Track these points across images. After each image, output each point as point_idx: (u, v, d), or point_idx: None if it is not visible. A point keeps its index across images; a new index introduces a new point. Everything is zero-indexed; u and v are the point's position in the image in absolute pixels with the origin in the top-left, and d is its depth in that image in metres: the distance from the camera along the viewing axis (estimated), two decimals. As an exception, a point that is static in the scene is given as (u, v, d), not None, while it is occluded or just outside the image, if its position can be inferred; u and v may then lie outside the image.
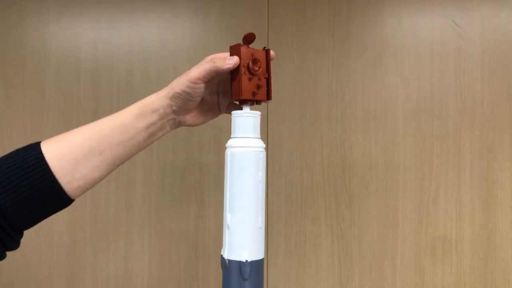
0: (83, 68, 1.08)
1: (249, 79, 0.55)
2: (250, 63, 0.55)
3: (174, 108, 0.57)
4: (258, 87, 0.55)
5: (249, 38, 0.56)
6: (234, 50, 0.56)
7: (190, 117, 0.59)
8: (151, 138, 0.57)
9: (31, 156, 0.49)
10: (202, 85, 0.55)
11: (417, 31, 1.02)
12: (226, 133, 1.04)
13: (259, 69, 0.55)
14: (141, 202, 1.06)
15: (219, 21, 1.07)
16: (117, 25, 1.09)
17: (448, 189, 1.00)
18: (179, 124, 0.59)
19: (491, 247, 0.98)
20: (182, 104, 0.56)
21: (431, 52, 1.02)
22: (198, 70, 0.55)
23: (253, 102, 0.56)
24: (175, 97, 0.56)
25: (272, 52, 0.57)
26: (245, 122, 0.53)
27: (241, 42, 0.57)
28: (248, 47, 0.56)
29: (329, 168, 1.03)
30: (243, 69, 0.54)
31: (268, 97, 0.57)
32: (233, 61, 0.55)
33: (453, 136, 1.00)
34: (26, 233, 0.53)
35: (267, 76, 0.57)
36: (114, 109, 1.06)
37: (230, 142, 0.54)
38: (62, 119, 1.08)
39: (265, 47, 0.57)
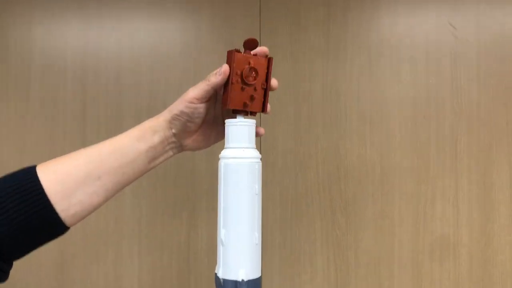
0: (70, 72, 1.05)
1: (242, 89, 0.51)
2: (244, 72, 0.51)
3: (174, 131, 0.54)
4: (252, 98, 0.52)
5: (249, 44, 0.52)
6: (228, 56, 0.52)
7: (191, 141, 0.57)
8: (151, 163, 0.54)
9: (26, 180, 0.47)
10: (201, 105, 0.53)
11: (412, 32, 1.00)
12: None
13: (254, 79, 0.52)
14: (131, 212, 1.03)
15: (210, 23, 1.04)
16: (106, 27, 1.05)
17: (445, 193, 0.98)
18: (181, 148, 0.57)
19: (489, 251, 0.97)
20: (182, 127, 0.54)
21: (427, 53, 1.00)
22: (195, 90, 0.53)
23: (246, 112, 0.52)
24: (174, 119, 0.54)
25: (274, 82, 0.54)
26: (239, 131, 0.50)
27: (238, 48, 0.53)
28: (249, 53, 0.52)
29: (324, 173, 1.01)
30: (234, 78, 0.51)
31: (263, 109, 0.53)
32: (222, 69, 0.52)
33: (449, 139, 0.99)
34: None
35: (265, 86, 0.53)
36: (102, 114, 1.04)
37: (223, 153, 0.50)
38: (47, 125, 1.04)
39: (267, 55, 0.54)
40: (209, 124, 0.57)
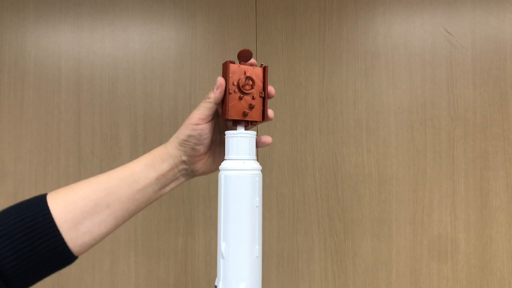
0: (64, 78, 1.04)
1: (240, 98, 0.51)
2: (241, 81, 0.51)
3: (183, 158, 0.54)
4: (251, 106, 0.52)
5: (243, 55, 0.52)
6: (223, 68, 0.52)
7: (202, 165, 0.56)
8: (162, 190, 0.54)
9: (36, 209, 0.46)
10: (206, 125, 0.53)
11: (408, 39, 1.01)
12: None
13: (251, 88, 0.52)
14: (126, 219, 1.02)
15: (205, 29, 1.04)
16: (100, 33, 1.04)
17: (442, 200, 0.98)
18: (192, 173, 0.56)
19: (487, 258, 0.97)
20: (191, 151, 0.53)
21: (423, 60, 1.00)
22: (198, 111, 0.53)
23: (247, 123, 0.52)
24: (182, 145, 0.53)
25: (271, 89, 0.54)
26: (240, 143, 0.49)
27: (232, 60, 0.53)
28: (244, 64, 0.52)
29: (321, 180, 1.00)
30: (232, 88, 0.51)
31: (264, 118, 0.53)
32: (218, 83, 0.52)
33: (446, 146, 0.99)
34: None
35: (263, 95, 0.53)
36: (96, 121, 1.03)
37: (223, 165, 0.50)
38: (42, 132, 1.03)
39: (262, 64, 0.54)
40: (217, 145, 0.57)
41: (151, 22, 1.04)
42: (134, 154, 1.02)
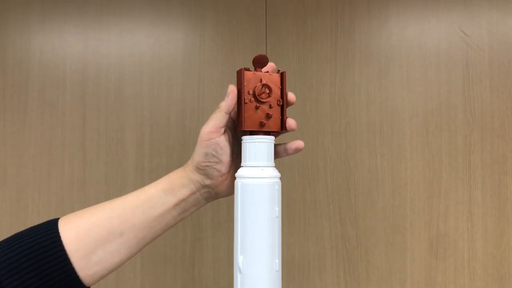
0: (69, 81, 1.01)
1: (256, 108, 0.48)
2: (257, 90, 0.48)
3: (206, 182, 0.49)
4: (268, 116, 0.48)
5: (259, 61, 0.48)
6: (238, 76, 0.49)
7: (225, 186, 0.51)
8: (182, 215, 0.50)
9: (47, 236, 0.44)
10: (221, 138, 0.48)
11: (423, 40, 0.98)
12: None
13: (268, 96, 0.48)
14: (132, 225, 0.99)
15: (214, 31, 1.01)
16: (106, 35, 1.02)
17: (459, 206, 0.95)
18: (216, 196, 0.52)
19: (505, 267, 0.94)
20: (212, 172, 0.49)
21: (438, 62, 0.97)
22: (207, 124, 0.49)
23: (265, 133, 0.49)
24: (200, 167, 0.49)
25: (291, 95, 0.50)
26: (258, 149, 0.46)
27: (248, 67, 0.50)
28: (259, 70, 0.49)
29: (333, 185, 0.97)
30: (247, 97, 0.47)
31: (283, 127, 0.49)
32: (229, 90, 0.48)
33: (462, 150, 0.96)
34: None
35: (281, 103, 0.50)
36: (102, 124, 1.00)
37: (240, 172, 0.47)
38: (46, 136, 1.00)
39: (279, 70, 0.50)
40: (239, 162, 0.52)
41: (159, 23, 1.02)
42: (140, 159, 0.99)
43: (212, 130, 0.48)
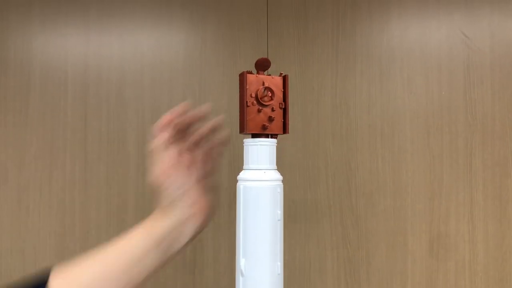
0: (71, 83, 1.01)
1: (258, 111, 0.48)
2: (259, 93, 0.48)
3: (180, 216, 0.49)
4: (270, 119, 0.48)
5: (261, 64, 0.49)
6: (240, 79, 0.49)
7: (200, 213, 0.51)
8: (169, 254, 0.50)
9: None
10: (171, 176, 0.48)
11: (424, 42, 0.98)
12: (224, 149, 0.97)
13: (271, 99, 0.48)
14: (133, 225, 0.99)
15: (216, 33, 1.01)
16: (107, 36, 1.02)
17: (460, 209, 0.95)
18: (200, 227, 0.51)
19: (506, 269, 0.94)
20: (179, 203, 0.49)
21: (439, 64, 0.97)
22: (151, 173, 0.49)
23: (267, 136, 0.49)
24: (168, 207, 0.49)
25: None
26: (259, 151, 0.47)
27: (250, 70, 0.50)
28: (262, 73, 0.49)
29: (334, 187, 0.97)
30: (250, 100, 0.48)
31: (285, 130, 0.50)
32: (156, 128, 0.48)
33: (463, 153, 0.96)
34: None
35: (283, 106, 0.50)
36: (103, 126, 1.00)
37: (242, 175, 0.47)
38: (47, 137, 1.00)
39: (281, 74, 0.51)
40: (200, 185, 0.52)
41: (160, 25, 1.02)
42: (141, 160, 0.99)
43: (159, 173, 0.48)
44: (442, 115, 0.97)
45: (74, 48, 1.02)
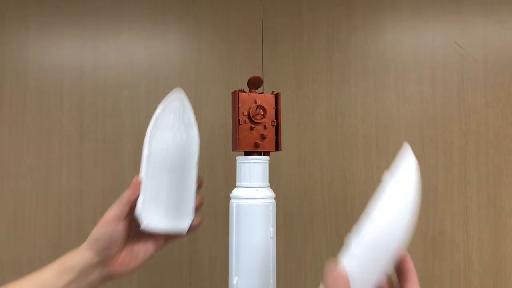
0: (67, 93, 1.02)
1: (251, 128, 0.49)
2: (251, 111, 0.48)
3: (96, 259, 0.52)
4: (263, 137, 0.49)
5: (253, 82, 0.49)
6: (233, 97, 0.50)
7: (118, 265, 0.54)
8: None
9: None
10: (117, 226, 0.52)
11: (418, 53, 0.98)
12: (220, 160, 0.98)
13: (263, 117, 0.49)
14: (130, 237, 0.99)
15: (211, 44, 1.01)
16: (104, 47, 1.02)
17: (454, 218, 0.96)
18: (108, 276, 0.54)
19: (501, 278, 0.94)
20: (104, 251, 0.52)
21: (433, 74, 0.98)
22: (111, 211, 0.52)
23: (259, 153, 0.49)
24: (95, 245, 0.52)
25: None
26: (252, 169, 0.47)
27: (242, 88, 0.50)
28: (254, 91, 0.50)
29: (330, 197, 0.98)
30: (242, 118, 0.48)
31: (277, 147, 0.50)
32: (133, 182, 0.52)
33: (458, 161, 0.96)
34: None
35: (275, 123, 0.50)
36: (99, 137, 1.00)
37: (235, 192, 0.47)
38: (43, 148, 1.00)
39: (273, 92, 0.51)
40: (134, 241, 0.55)
41: (156, 36, 1.02)
42: (137, 171, 0.99)
43: (114, 217, 0.51)
44: (436, 124, 0.97)
45: (70, 59, 1.02)
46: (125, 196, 0.52)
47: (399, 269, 0.44)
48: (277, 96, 0.50)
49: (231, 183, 0.52)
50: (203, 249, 0.98)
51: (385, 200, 0.37)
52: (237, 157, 0.49)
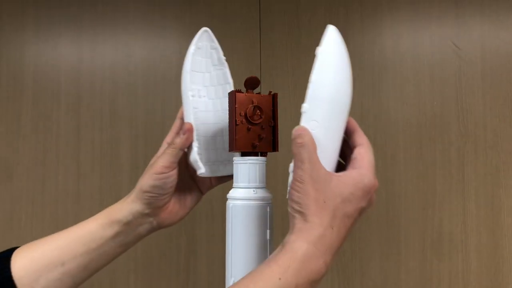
0: (63, 93, 1.01)
1: (248, 129, 0.48)
2: (248, 111, 0.48)
3: (146, 211, 0.50)
4: (260, 138, 0.49)
5: (250, 83, 0.49)
6: (229, 98, 0.49)
7: (167, 214, 0.52)
8: (122, 247, 0.52)
9: (0, 264, 0.48)
10: (171, 173, 0.49)
11: (416, 53, 0.98)
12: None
13: (260, 118, 0.49)
14: (127, 238, 0.99)
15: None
16: (101, 47, 1.02)
17: (453, 218, 0.95)
18: (157, 226, 0.53)
19: (499, 278, 0.94)
20: (155, 202, 0.50)
21: (431, 74, 0.98)
22: (162, 159, 0.50)
23: (256, 154, 0.49)
24: (145, 197, 0.50)
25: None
26: (249, 169, 0.47)
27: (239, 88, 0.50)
28: (251, 92, 0.49)
29: (328, 198, 0.97)
30: (239, 119, 0.48)
31: (274, 148, 0.50)
32: (186, 127, 0.49)
33: (456, 162, 0.96)
34: None
35: (273, 124, 0.50)
36: (96, 137, 1.00)
37: (232, 193, 0.47)
38: (39, 149, 1.00)
39: (270, 92, 0.51)
40: (183, 189, 0.54)
41: (153, 35, 1.02)
42: (134, 171, 0.99)
43: (166, 164, 0.49)
44: (434, 125, 0.97)
45: (67, 59, 1.02)
46: (178, 143, 0.49)
47: (348, 131, 0.49)
48: (274, 97, 0.50)
49: (228, 184, 0.52)
50: (200, 249, 0.98)
51: (320, 63, 0.44)
52: (234, 158, 0.49)
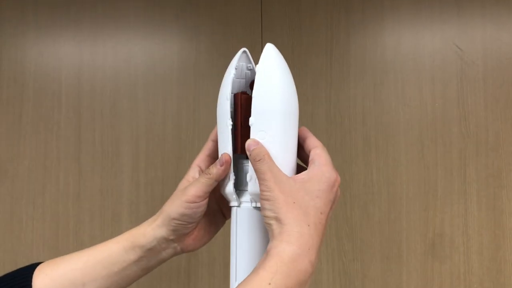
0: (64, 94, 1.01)
1: None
2: None
3: (171, 237, 0.49)
4: None
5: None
6: (234, 100, 0.49)
7: (191, 241, 0.51)
8: (144, 271, 0.51)
9: (20, 282, 0.47)
10: (203, 202, 0.48)
11: (418, 54, 0.98)
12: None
13: None
14: (128, 239, 0.98)
15: (209, 44, 1.01)
16: (101, 48, 1.02)
17: (454, 220, 0.95)
18: (180, 251, 0.51)
19: (501, 280, 0.94)
20: (181, 229, 0.49)
21: (433, 76, 0.98)
22: (195, 187, 0.47)
23: None
24: (172, 224, 0.48)
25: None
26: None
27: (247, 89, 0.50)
28: None
29: (329, 199, 0.97)
30: (243, 121, 0.48)
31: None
32: (224, 159, 0.47)
33: (457, 163, 0.96)
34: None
35: None
36: (97, 138, 1.00)
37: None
38: (40, 149, 1.00)
39: None
40: (208, 215, 0.52)
41: (154, 36, 1.02)
42: (135, 172, 0.99)
43: (199, 194, 0.47)
44: (436, 126, 0.97)
45: (68, 60, 1.02)
46: (215, 174, 0.47)
47: (302, 140, 0.51)
48: None
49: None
50: (201, 251, 0.98)
51: (259, 79, 0.47)
52: (239, 160, 0.48)
